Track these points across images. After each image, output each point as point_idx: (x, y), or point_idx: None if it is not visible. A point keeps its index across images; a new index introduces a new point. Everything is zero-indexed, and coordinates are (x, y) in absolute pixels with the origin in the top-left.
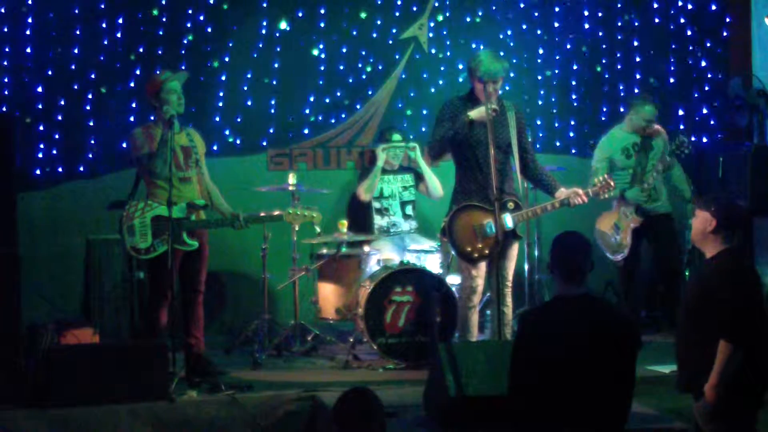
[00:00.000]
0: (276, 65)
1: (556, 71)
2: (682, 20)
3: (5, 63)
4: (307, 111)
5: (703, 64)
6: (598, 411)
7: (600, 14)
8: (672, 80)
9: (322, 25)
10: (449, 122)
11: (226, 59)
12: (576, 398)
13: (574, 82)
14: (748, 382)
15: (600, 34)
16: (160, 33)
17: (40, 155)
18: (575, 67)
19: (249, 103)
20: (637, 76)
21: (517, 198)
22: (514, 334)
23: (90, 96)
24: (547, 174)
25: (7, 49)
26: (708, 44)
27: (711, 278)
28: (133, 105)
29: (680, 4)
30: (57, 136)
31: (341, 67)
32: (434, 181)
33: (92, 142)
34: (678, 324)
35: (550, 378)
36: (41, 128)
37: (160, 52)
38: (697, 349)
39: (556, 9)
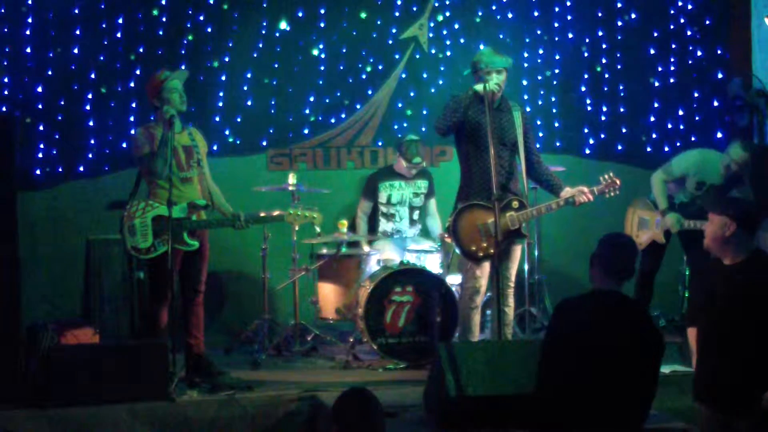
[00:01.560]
0: (276, 65)
1: (556, 71)
2: (682, 20)
3: (5, 63)
4: (307, 111)
5: (703, 64)
6: (618, 408)
7: (600, 14)
8: (672, 80)
9: (322, 25)
10: (458, 113)
11: (226, 59)
12: (599, 393)
13: (574, 82)
14: None
15: (600, 34)
16: (160, 33)
17: (40, 155)
18: (575, 67)
19: (249, 103)
20: (637, 76)
21: (522, 197)
22: (515, 335)
23: (90, 96)
24: (552, 174)
25: (7, 49)
26: (708, 44)
27: (755, 283)
28: (133, 105)
29: (680, 4)
30: (57, 136)
31: (341, 67)
32: (438, 223)
33: (92, 142)
34: (709, 335)
35: (578, 368)
36: (41, 128)
37: (160, 52)
38: (737, 358)
39: (556, 9)
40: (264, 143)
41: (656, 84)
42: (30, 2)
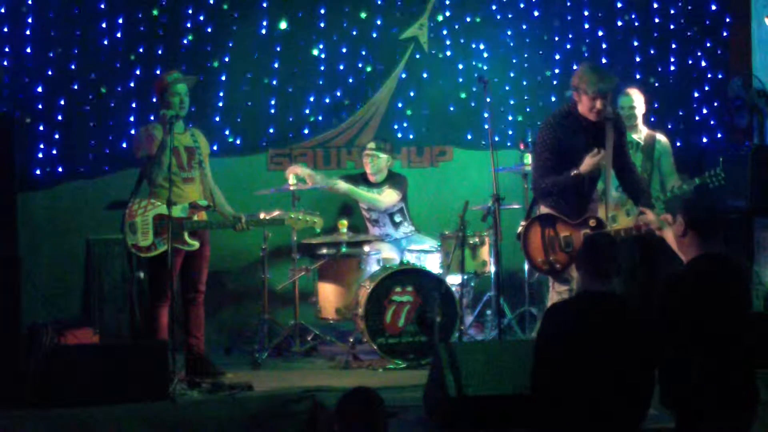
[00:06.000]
0: (276, 65)
1: (556, 71)
2: (682, 20)
3: (5, 63)
4: (307, 111)
5: (703, 64)
6: (615, 408)
7: (600, 14)
8: (672, 80)
9: (322, 25)
10: (553, 155)
11: (226, 59)
12: (593, 394)
13: None
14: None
15: (600, 34)
16: (160, 33)
17: (40, 155)
18: (575, 67)
19: (249, 103)
20: (637, 76)
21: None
22: (515, 335)
23: (90, 96)
24: (642, 185)
25: (7, 49)
26: (708, 44)
27: (677, 286)
28: (133, 105)
29: (680, 4)
30: (57, 136)
31: (341, 67)
32: (370, 198)
33: (92, 142)
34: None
35: (571, 370)
36: (41, 128)
37: (160, 52)
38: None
39: (556, 9)
40: (264, 143)
41: (656, 84)
42: (30, 2)
